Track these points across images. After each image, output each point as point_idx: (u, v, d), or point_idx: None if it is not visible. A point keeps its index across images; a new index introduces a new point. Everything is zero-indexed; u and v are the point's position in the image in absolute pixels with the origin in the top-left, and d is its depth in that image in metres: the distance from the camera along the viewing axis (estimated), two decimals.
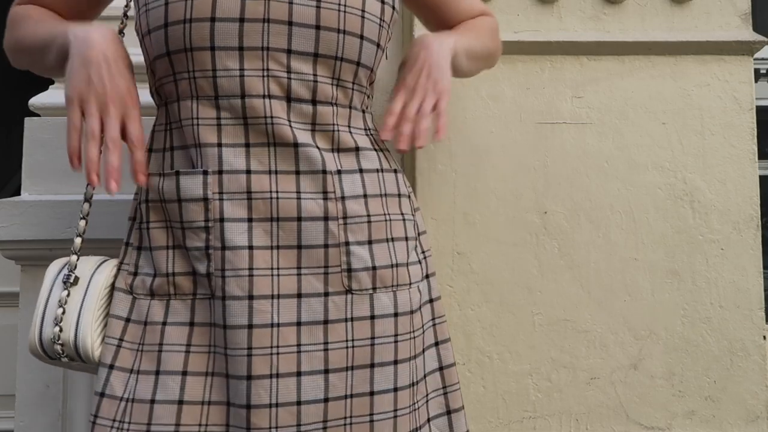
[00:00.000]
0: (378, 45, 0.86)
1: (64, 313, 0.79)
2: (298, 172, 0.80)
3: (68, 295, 0.80)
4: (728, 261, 1.34)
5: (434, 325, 0.91)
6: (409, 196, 0.92)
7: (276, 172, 0.79)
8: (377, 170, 0.87)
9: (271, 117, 0.79)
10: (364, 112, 0.89)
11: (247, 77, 0.79)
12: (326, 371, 0.78)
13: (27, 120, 1.26)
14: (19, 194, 1.26)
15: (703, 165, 1.35)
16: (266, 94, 0.79)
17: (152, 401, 0.75)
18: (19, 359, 1.22)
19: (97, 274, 0.82)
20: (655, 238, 1.34)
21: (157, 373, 0.76)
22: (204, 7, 0.77)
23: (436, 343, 0.91)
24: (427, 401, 0.88)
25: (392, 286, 0.83)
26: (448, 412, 0.90)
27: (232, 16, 0.77)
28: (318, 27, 0.80)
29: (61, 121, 1.26)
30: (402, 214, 0.88)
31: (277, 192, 0.79)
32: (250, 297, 0.77)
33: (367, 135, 0.88)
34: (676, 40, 1.35)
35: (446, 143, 1.33)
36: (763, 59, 7.96)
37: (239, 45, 0.78)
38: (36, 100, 1.30)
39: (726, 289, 1.33)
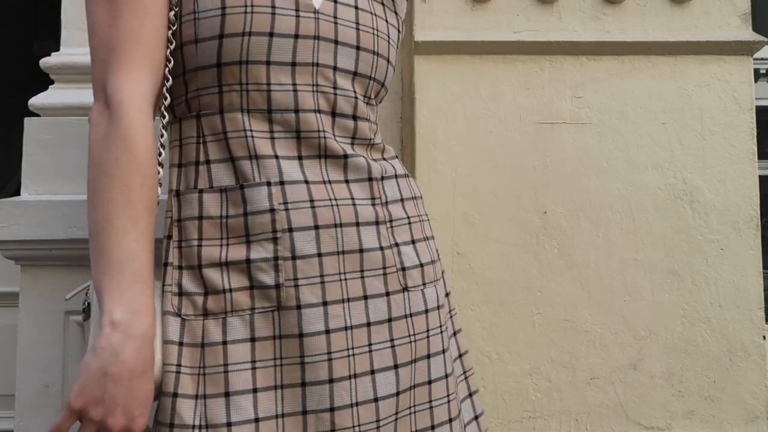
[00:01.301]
0: (394, 68, 0.93)
1: None
2: (347, 181, 0.84)
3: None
4: (728, 261, 1.34)
5: (451, 317, 0.97)
6: (421, 198, 0.98)
7: (330, 182, 0.82)
8: (404, 176, 0.93)
9: (324, 131, 0.83)
10: (377, 125, 0.95)
11: (299, 92, 0.82)
12: (395, 366, 0.83)
13: (27, 120, 1.26)
14: (19, 194, 1.26)
15: (703, 165, 1.35)
16: (316, 108, 0.83)
17: (228, 424, 0.75)
18: (18, 359, 1.22)
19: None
20: (655, 238, 1.34)
21: (227, 394, 0.75)
22: (263, 22, 0.79)
23: (455, 333, 0.97)
24: (456, 385, 0.94)
25: (434, 281, 0.90)
26: (470, 395, 0.97)
27: (288, 33, 0.80)
28: (358, 48, 0.85)
29: (61, 121, 1.26)
30: (424, 214, 0.95)
31: (336, 199, 0.82)
32: (324, 303, 0.79)
33: (384, 146, 0.95)
34: (676, 40, 1.35)
35: (446, 143, 1.33)
36: (762, 59, 7.95)
37: (292, 60, 0.81)
38: (36, 100, 1.30)
39: (726, 289, 1.33)
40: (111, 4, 0.77)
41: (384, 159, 0.92)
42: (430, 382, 0.86)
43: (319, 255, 0.79)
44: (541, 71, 1.36)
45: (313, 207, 0.80)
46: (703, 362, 1.32)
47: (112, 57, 0.77)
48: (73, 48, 1.32)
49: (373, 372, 0.80)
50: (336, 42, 0.83)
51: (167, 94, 0.83)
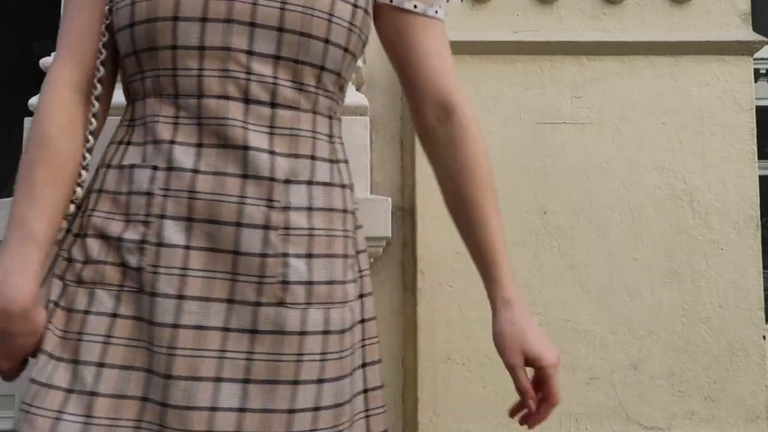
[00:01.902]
0: (346, 49, 0.85)
1: None
2: (245, 176, 0.79)
3: None
4: (728, 261, 1.34)
5: (363, 346, 0.90)
6: (353, 213, 0.90)
7: (223, 174, 0.79)
8: (327, 183, 0.85)
9: (227, 119, 0.79)
10: (331, 118, 0.88)
11: (205, 77, 0.79)
12: (246, 381, 0.77)
13: (26, 120, 1.26)
14: None
15: (703, 165, 1.35)
16: (223, 94, 0.79)
17: (68, 390, 0.76)
18: None
19: None
20: (655, 238, 1.34)
21: (75, 362, 0.77)
22: (167, 6, 0.78)
23: (363, 365, 0.89)
24: (351, 423, 0.86)
25: (326, 303, 0.82)
26: None
27: (195, 16, 0.78)
28: (281, 29, 0.79)
29: None
30: (344, 230, 0.86)
31: (221, 194, 0.78)
32: (180, 297, 0.76)
33: (329, 143, 0.87)
34: (676, 40, 1.35)
35: None
36: (763, 59, 7.95)
37: (199, 44, 0.79)
38: (35, 100, 1.30)
39: (726, 289, 1.33)
40: (63, 5, 0.88)
41: (313, 158, 0.84)
42: (291, 411, 0.78)
43: (187, 247, 0.77)
44: (541, 71, 1.36)
45: (191, 198, 0.78)
46: (703, 362, 1.32)
47: (59, 45, 0.87)
48: None
49: (218, 379, 0.76)
50: (252, 24, 0.79)
51: (97, 84, 0.86)
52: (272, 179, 0.79)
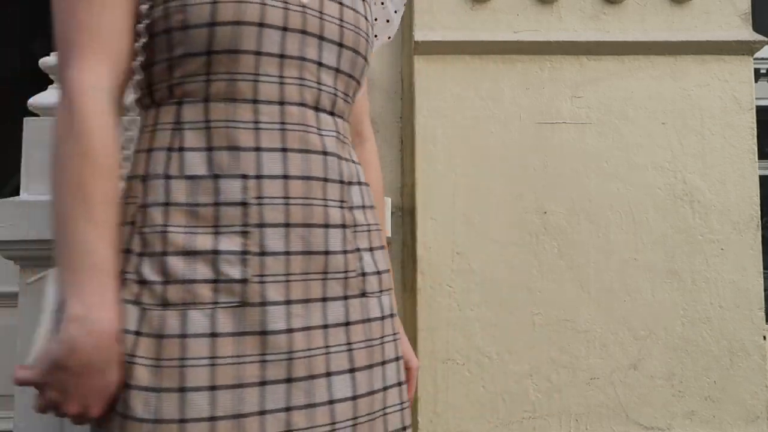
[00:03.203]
0: (368, 66, 0.94)
1: None
2: (325, 180, 0.83)
3: None
4: (728, 261, 1.33)
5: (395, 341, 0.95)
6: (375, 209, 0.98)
7: (309, 179, 0.81)
8: (366, 183, 0.93)
9: (307, 125, 0.82)
10: (350, 125, 0.95)
11: (285, 84, 0.82)
12: (352, 370, 0.82)
13: (26, 120, 1.26)
14: (18, 194, 1.26)
15: (703, 165, 1.35)
16: (302, 102, 0.83)
17: (181, 420, 0.73)
18: (18, 359, 1.22)
19: None
20: (655, 238, 1.33)
21: (182, 390, 0.73)
22: (254, 11, 0.79)
23: (398, 358, 0.93)
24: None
25: (389, 290, 0.91)
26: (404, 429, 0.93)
27: (277, 24, 0.80)
28: (341, 45, 0.85)
29: None
30: (377, 224, 0.95)
31: (310, 198, 0.81)
32: (288, 302, 0.78)
33: (352, 147, 0.95)
34: (676, 40, 1.35)
35: (446, 143, 1.33)
36: (763, 59, 7.95)
37: (281, 53, 0.81)
38: (35, 100, 1.30)
39: (726, 289, 1.33)
40: None
41: (353, 162, 0.91)
42: (385, 389, 0.86)
43: (287, 253, 0.79)
44: (541, 71, 1.36)
45: (286, 204, 0.79)
46: (703, 362, 1.32)
47: (71, 48, 0.78)
48: None
49: (329, 374, 0.80)
50: (321, 38, 0.83)
51: (138, 89, 0.84)
52: (341, 182, 0.85)
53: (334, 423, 0.78)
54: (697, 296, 1.33)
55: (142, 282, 0.76)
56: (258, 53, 0.79)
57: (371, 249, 0.89)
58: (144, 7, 0.80)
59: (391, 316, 0.90)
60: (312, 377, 0.79)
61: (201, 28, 0.78)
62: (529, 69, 1.35)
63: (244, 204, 0.78)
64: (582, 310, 1.32)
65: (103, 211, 0.74)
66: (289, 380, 0.77)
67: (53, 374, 0.71)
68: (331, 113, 0.86)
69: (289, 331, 0.78)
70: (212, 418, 0.73)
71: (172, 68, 0.81)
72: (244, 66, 0.79)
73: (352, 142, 1.00)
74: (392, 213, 1.38)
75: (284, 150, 0.80)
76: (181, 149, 0.80)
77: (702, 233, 1.34)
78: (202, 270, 0.76)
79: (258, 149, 0.79)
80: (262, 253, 0.78)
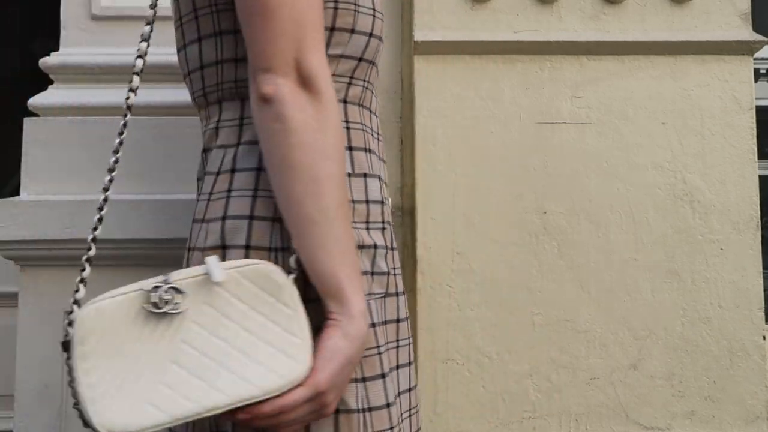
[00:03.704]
0: None
1: None
2: (380, 180, 0.89)
3: None
4: (728, 261, 1.33)
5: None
6: None
7: (382, 180, 0.88)
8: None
9: (378, 132, 0.89)
10: None
11: (374, 95, 0.89)
12: (409, 363, 0.89)
13: (26, 120, 1.26)
14: (18, 194, 1.26)
15: (703, 165, 1.35)
16: (376, 110, 0.90)
17: (387, 405, 0.77)
18: (18, 359, 1.22)
19: None
20: (655, 238, 1.34)
21: (383, 376, 0.77)
22: (379, 27, 0.85)
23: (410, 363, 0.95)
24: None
25: (404, 291, 0.93)
26: None
27: (378, 34, 0.86)
28: (381, 40, 0.89)
29: (60, 121, 1.26)
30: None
31: (387, 198, 0.89)
32: (403, 293, 0.88)
33: None
34: (676, 40, 1.35)
35: (446, 143, 1.33)
36: (763, 59, 7.96)
37: (376, 62, 0.88)
38: (35, 100, 1.30)
39: (726, 289, 1.33)
40: None
41: (382, 159, 0.95)
42: (409, 390, 0.89)
43: (394, 249, 0.88)
44: (541, 71, 1.36)
45: (385, 204, 0.86)
46: (703, 362, 1.32)
47: (308, 33, 0.71)
48: (73, 48, 1.32)
49: (398, 367, 0.85)
50: (380, 39, 0.87)
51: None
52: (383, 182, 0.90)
53: (415, 407, 0.88)
54: (697, 296, 1.33)
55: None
56: (373, 64, 0.86)
57: (393, 248, 0.91)
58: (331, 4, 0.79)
59: (406, 319, 0.91)
60: (408, 364, 0.87)
61: (363, 35, 0.82)
62: (529, 69, 1.35)
63: (382, 202, 0.84)
64: (582, 310, 1.32)
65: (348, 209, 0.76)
66: (409, 363, 0.87)
67: (343, 372, 0.69)
68: (376, 114, 0.91)
69: (407, 319, 0.87)
70: (397, 395, 0.81)
71: (331, 64, 0.77)
72: (370, 76, 0.86)
73: None
74: (392, 213, 1.38)
75: (381, 159, 0.88)
76: (351, 149, 0.82)
77: (702, 233, 1.34)
78: (366, 262, 0.79)
79: (373, 153, 0.85)
80: (393, 248, 0.86)
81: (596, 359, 1.32)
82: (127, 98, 0.83)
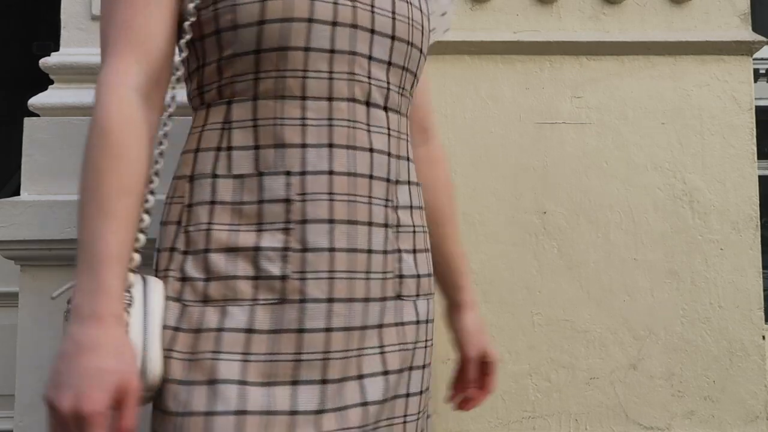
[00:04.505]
0: (425, 58, 0.92)
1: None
2: (371, 177, 0.82)
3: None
4: (727, 261, 1.34)
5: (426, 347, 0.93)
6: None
7: (354, 175, 0.80)
8: (417, 183, 0.91)
9: (355, 121, 0.81)
10: (408, 119, 0.93)
11: (335, 80, 0.81)
12: (386, 372, 0.82)
13: (26, 120, 1.26)
14: (18, 194, 1.26)
15: (703, 165, 1.35)
16: (351, 97, 0.81)
17: (208, 413, 0.72)
18: (18, 359, 1.22)
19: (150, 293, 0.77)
20: (655, 238, 1.34)
21: (211, 382, 0.73)
22: (302, 7, 0.78)
23: (424, 366, 0.92)
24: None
25: (427, 294, 0.89)
26: None
27: (327, 19, 0.79)
28: (393, 38, 0.84)
29: (60, 121, 1.26)
30: (425, 227, 0.93)
31: (355, 195, 0.80)
32: (330, 300, 0.77)
33: (408, 143, 0.92)
34: (676, 40, 1.35)
35: (446, 143, 1.33)
36: (762, 59, 7.95)
37: (330, 48, 0.80)
38: (35, 100, 1.30)
39: (725, 289, 1.33)
40: None
41: (408, 159, 0.89)
42: (407, 395, 0.85)
43: (331, 250, 0.78)
44: (541, 71, 1.36)
45: (331, 200, 0.79)
46: (702, 362, 1.32)
47: (106, 47, 0.78)
48: (73, 48, 1.32)
49: (361, 377, 0.79)
50: (372, 31, 0.82)
51: (174, 84, 0.82)
52: (388, 180, 0.84)
53: (365, 426, 0.78)
54: (696, 296, 1.33)
55: (185, 279, 0.77)
56: (307, 49, 0.79)
57: (414, 251, 0.87)
58: (191, 6, 0.79)
59: (427, 321, 0.88)
60: (344, 380, 0.78)
61: (251, 26, 0.78)
62: (529, 69, 1.36)
63: (287, 201, 0.78)
64: (582, 310, 1.32)
65: (116, 201, 0.72)
66: (324, 381, 0.76)
67: (55, 371, 0.69)
68: (384, 108, 0.84)
69: (328, 330, 0.77)
70: (240, 412, 0.73)
71: (222, 69, 0.81)
72: (293, 63, 0.79)
73: (416, 139, 0.99)
74: None
75: (330, 146, 0.79)
76: (230, 148, 0.80)
77: (701, 233, 1.34)
78: (243, 266, 0.76)
79: (304, 146, 0.79)
80: (304, 250, 0.77)
81: (596, 359, 1.32)
82: (173, 96, 0.83)
